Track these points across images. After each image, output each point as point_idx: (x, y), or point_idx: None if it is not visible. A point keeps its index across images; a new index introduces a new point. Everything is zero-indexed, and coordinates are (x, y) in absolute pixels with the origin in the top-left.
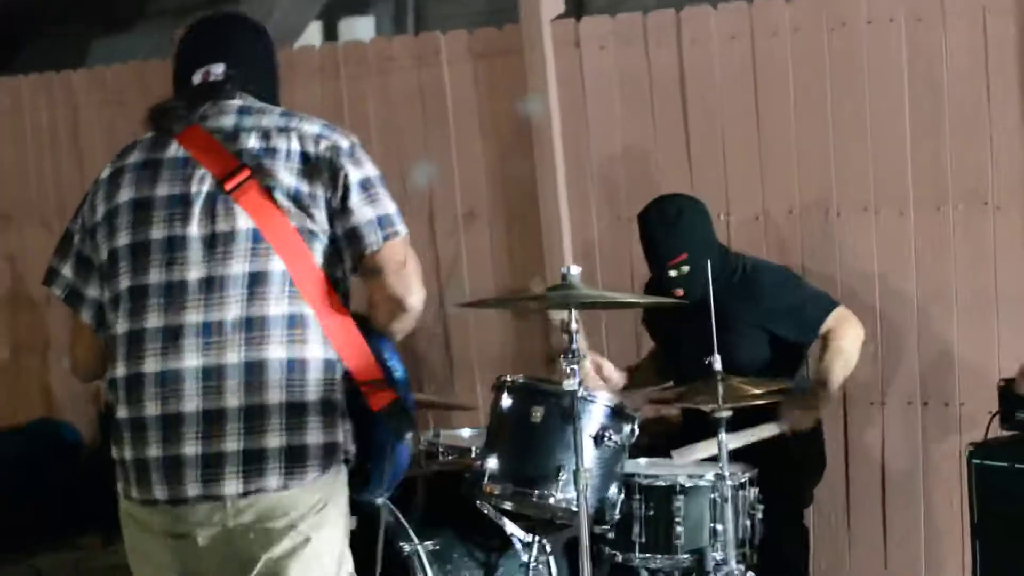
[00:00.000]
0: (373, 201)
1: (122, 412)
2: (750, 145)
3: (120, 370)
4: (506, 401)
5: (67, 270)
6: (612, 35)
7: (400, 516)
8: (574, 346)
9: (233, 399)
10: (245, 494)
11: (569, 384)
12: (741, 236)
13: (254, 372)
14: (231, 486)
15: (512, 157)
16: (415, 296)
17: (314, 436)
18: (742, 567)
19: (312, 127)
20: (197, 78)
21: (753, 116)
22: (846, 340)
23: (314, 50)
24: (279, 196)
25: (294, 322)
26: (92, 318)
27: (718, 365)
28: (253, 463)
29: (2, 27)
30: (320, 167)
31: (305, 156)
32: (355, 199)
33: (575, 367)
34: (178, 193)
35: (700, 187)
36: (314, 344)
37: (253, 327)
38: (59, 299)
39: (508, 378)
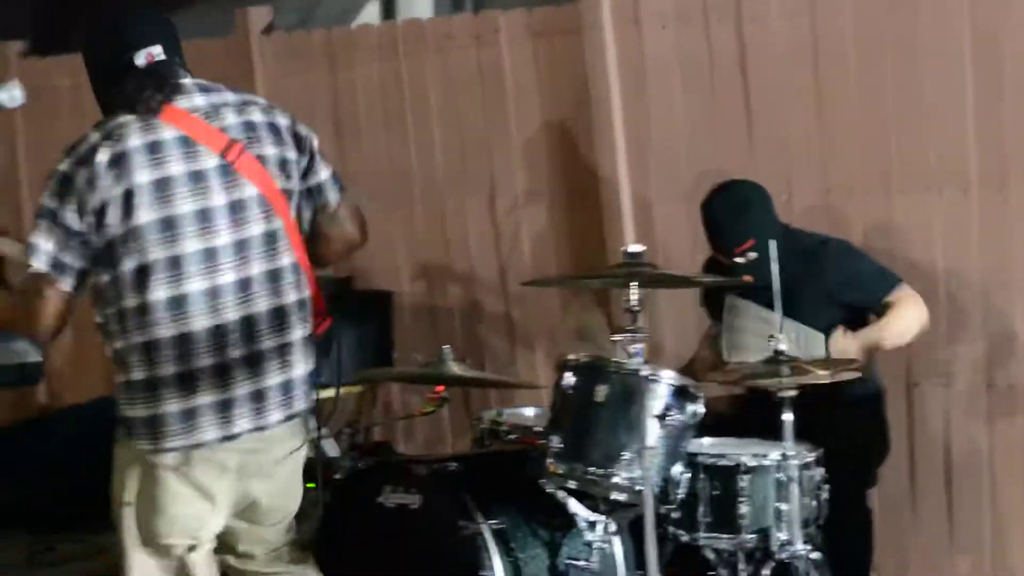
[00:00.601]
0: (325, 162)
1: (170, 369)
2: (811, 123)
3: (166, 331)
4: (570, 380)
5: (49, 245)
6: (672, 13)
7: (464, 494)
8: (637, 325)
9: (268, 341)
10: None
11: (633, 363)
12: (802, 215)
13: (279, 316)
14: (276, 414)
15: (573, 136)
16: (363, 233)
17: (309, 366)
18: (807, 547)
19: (261, 100)
20: (141, 60)
21: (814, 94)
22: (908, 311)
23: (372, 28)
24: (269, 164)
25: (296, 269)
26: (73, 285)
27: (784, 345)
28: (288, 392)
29: (60, 5)
30: (290, 135)
31: (275, 126)
32: (318, 161)
33: (638, 346)
34: (193, 170)
35: (760, 166)
36: (304, 287)
37: (274, 278)
38: (40, 270)
39: (571, 356)
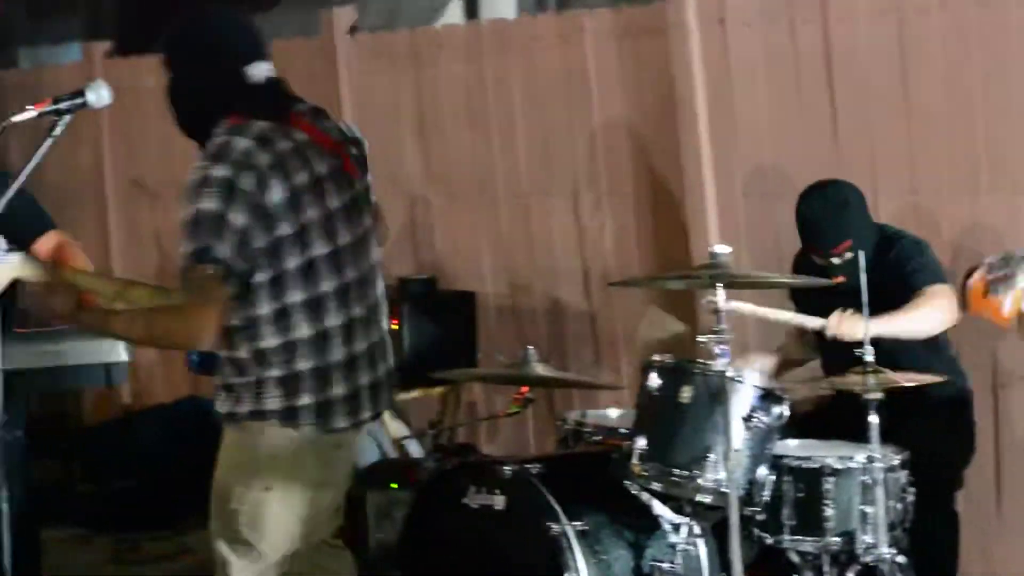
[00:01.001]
0: None
1: (337, 355)
2: (898, 124)
3: (334, 319)
4: (655, 381)
5: (223, 247)
6: (758, 12)
7: (548, 496)
8: (722, 326)
9: (375, 334)
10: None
11: (718, 364)
12: (888, 216)
13: (379, 310)
14: (381, 405)
15: (657, 136)
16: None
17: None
18: (892, 550)
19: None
20: (256, 72)
21: (901, 94)
22: (925, 305)
23: (458, 28)
24: (358, 164)
25: (380, 265)
26: (236, 288)
27: (870, 356)
28: (387, 384)
29: (144, 5)
30: (350, 132)
31: (359, 142)
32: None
33: (724, 347)
34: (329, 170)
35: (847, 166)
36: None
37: (373, 273)
38: (213, 272)
39: (656, 358)
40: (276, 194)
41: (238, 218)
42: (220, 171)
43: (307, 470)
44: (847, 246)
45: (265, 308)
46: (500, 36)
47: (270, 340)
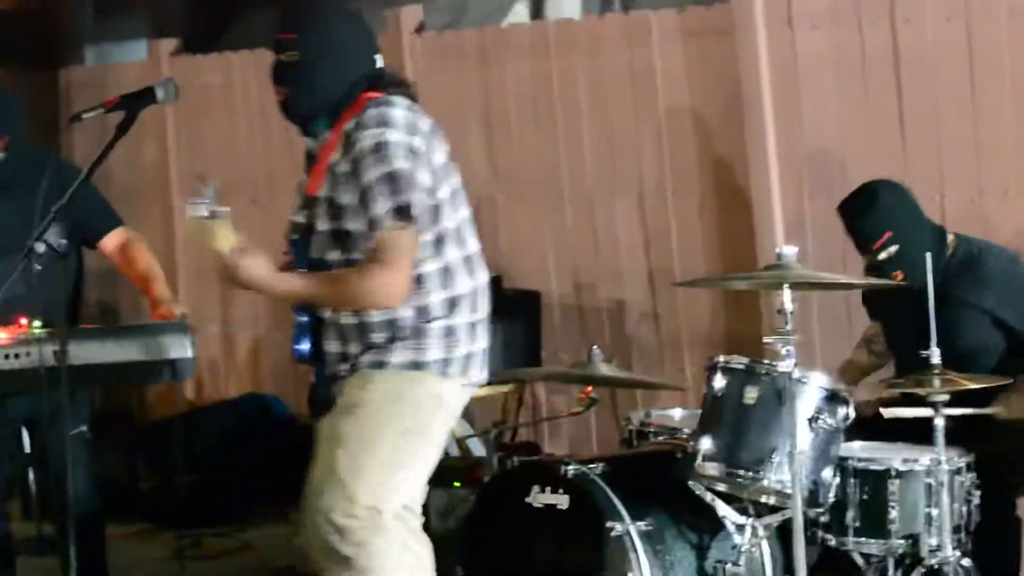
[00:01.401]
0: None
1: (467, 317)
2: (965, 126)
3: (465, 285)
4: (719, 382)
5: (421, 199)
6: (825, 13)
7: (612, 495)
8: (788, 327)
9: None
10: None
11: (784, 366)
12: (955, 217)
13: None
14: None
15: (723, 136)
16: None
17: None
18: (957, 553)
19: None
20: (380, 62)
21: (968, 97)
22: None
23: (524, 28)
24: None
25: None
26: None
27: (936, 358)
28: None
29: (213, 4)
30: None
31: None
32: None
33: (790, 348)
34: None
35: (914, 167)
36: None
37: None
38: (411, 232)
39: (722, 359)
40: (438, 158)
41: (424, 177)
42: (395, 135)
43: (445, 421)
44: (888, 237)
45: (432, 265)
46: (566, 36)
47: (436, 295)
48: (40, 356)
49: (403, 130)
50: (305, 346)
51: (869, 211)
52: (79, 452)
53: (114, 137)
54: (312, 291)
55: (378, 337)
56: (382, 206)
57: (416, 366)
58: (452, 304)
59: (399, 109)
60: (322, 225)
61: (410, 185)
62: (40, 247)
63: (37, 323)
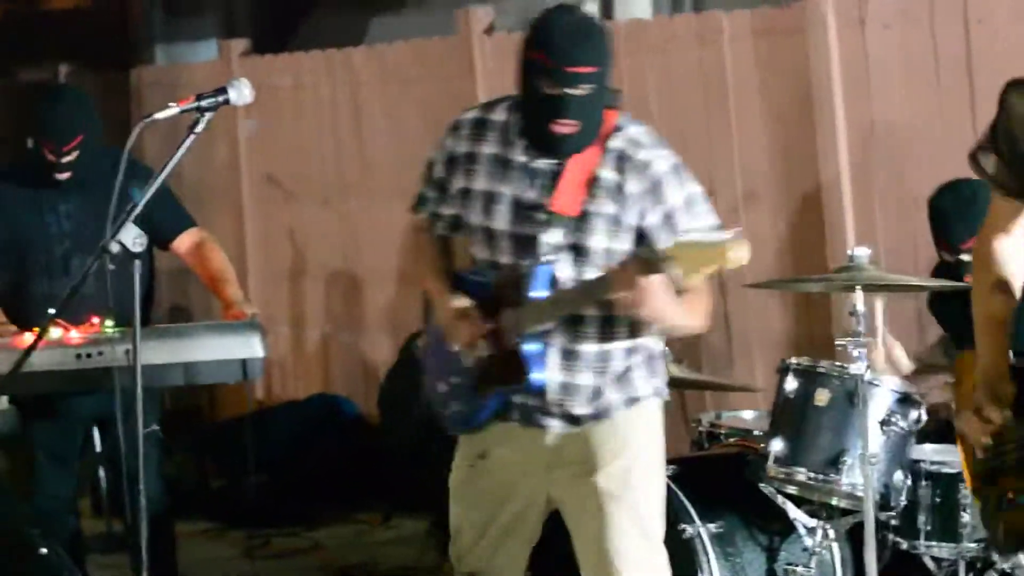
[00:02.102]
0: None
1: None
2: None
3: None
4: (791, 384)
5: None
6: (897, 13)
7: (683, 497)
8: (860, 329)
9: None
10: None
11: (855, 368)
12: None
13: None
14: None
15: (794, 137)
16: None
17: None
18: None
19: None
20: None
21: None
22: None
23: None
24: None
25: None
26: None
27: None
28: None
29: (283, 4)
30: None
31: None
32: None
33: (862, 350)
34: None
35: None
36: None
37: None
38: None
39: (793, 360)
40: None
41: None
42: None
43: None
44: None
45: None
46: (637, 36)
47: None
48: (112, 355)
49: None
50: (542, 376)
51: (965, 212)
52: (150, 451)
53: (187, 137)
54: (686, 321)
55: (622, 360)
56: (712, 221)
57: (658, 393)
58: None
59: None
60: (598, 243)
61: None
62: (114, 247)
63: (109, 323)
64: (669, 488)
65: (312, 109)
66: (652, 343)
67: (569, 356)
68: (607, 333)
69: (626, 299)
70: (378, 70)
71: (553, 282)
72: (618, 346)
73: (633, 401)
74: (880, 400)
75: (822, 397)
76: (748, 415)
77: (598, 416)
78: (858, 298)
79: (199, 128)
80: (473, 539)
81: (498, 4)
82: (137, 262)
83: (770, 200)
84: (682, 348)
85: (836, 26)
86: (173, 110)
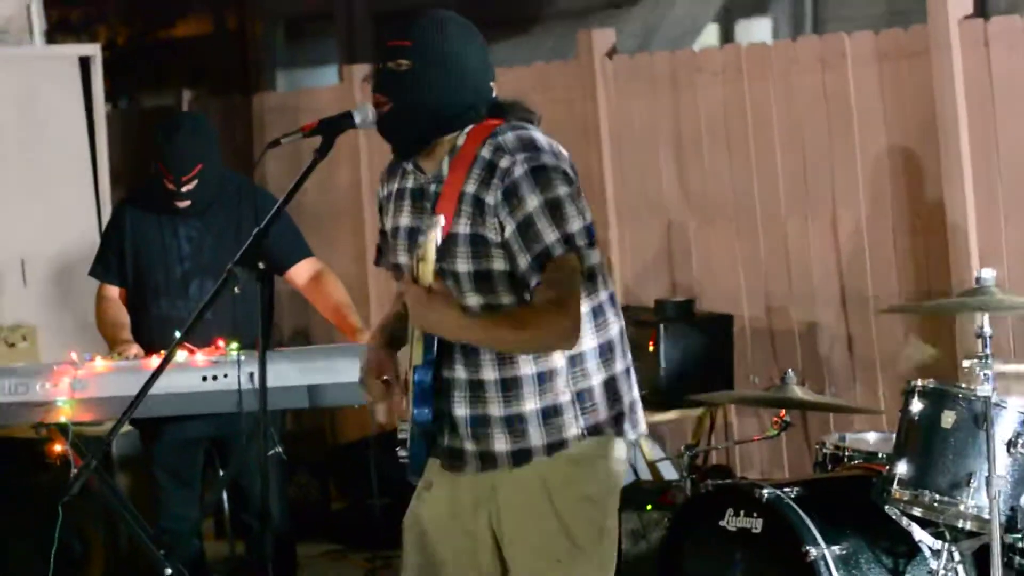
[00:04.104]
0: None
1: (623, 363)
2: None
3: (615, 326)
4: (916, 406)
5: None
6: (1022, 35)
7: (807, 519)
8: (988, 351)
9: None
10: None
11: (982, 389)
12: None
13: None
14: None
15: (918, 159)
16: None
17: None
18: None
19: None
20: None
21: None
22: None
23: (716, 52)
24: None
25: None
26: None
27: None
28: None
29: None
30: None
31: None
32: None
33: (988, 372)
34: None
35: None
36: None
37: None
38: (578, 266)
39: (919, 382)
40: (580, 188)
41: (585, 203)
42: (550, 159)
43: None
44: None
45: (585, 305)
46: (759, 59)
47: (590, 341)
48: (237, 378)
49: (554, 156)
50: (427, 411)
51: None
52: (273, 473)
53: (312, 161)
54: (491, 334)
55: (533, 399)
56: (553, 234)
57: (595, 431)
58: (609, 349)
59: (538, 134)
60: (461, 266)
61: (582, 210)
62: (239, 271)
63: (234, 345)
64: (794, 510)
65: None
66: (593, 370)
67: (473, 387)
68: (504, 359)
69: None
70: (499, 94)
71: None
72: (524, 372)
73: (558, 446)
74: (1007, 422)
75: (948, 419)
76: (872, 437)
77: (518, 458)
78: (985, 320)
79: (323, 153)
80: None
81: (619, 26)
82: (261, 285)
83: (894, 221)
84: (804, 370)
85: (960, 48)
86: (298, 135)
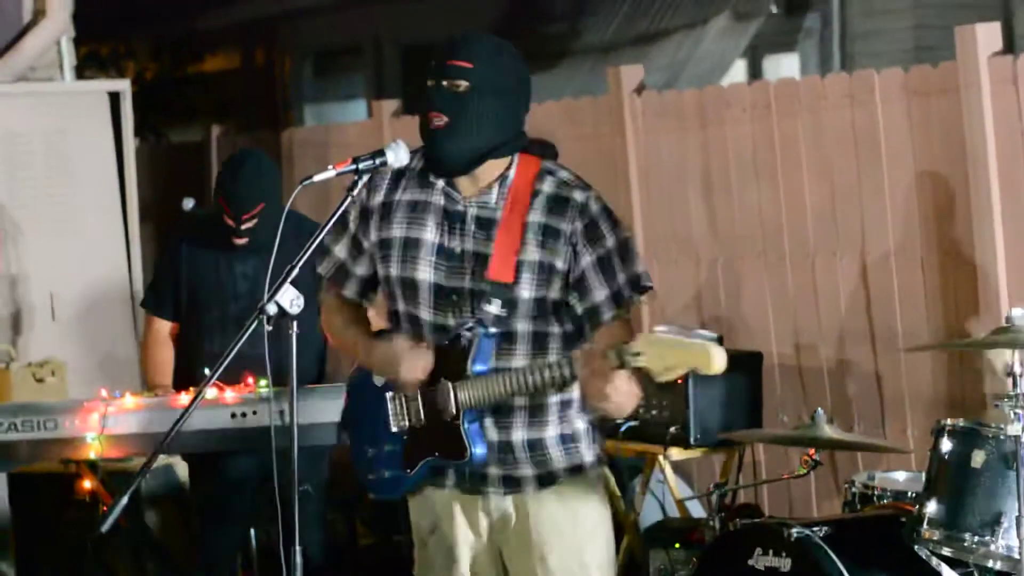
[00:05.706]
0: None
1: None
2: None
3: None
4: (946, 445)
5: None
6: None
7: (836, 559)
8: (1020, 391)
9: None
10: None
11: (1012, 428)
12: None
13: None
14: None
15: (947, 195)
16: None
17: None
18: None
19: None
20: None
21: None
22: None
23: (745, 88)
24: None
25: None
26: None
27: None
28: None
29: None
30: None
31: None
32: None
33: (1019, 411)
34: None
35: None
36: None
37: None
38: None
39: (949, 421)
40: None
41: None
42: (605, 202)
43: None
44: None
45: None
46: (788, 95)
47: None
48: (268, 415)
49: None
50: (484, 451)
51: None
52: (308, 510)
53: (345, 199)
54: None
55: (564, 423)
56: (627, 273)
57: (600, 461)
58: None
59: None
60: (524, 293)
61: (638, 253)
62: (271, 308)
63: (263, 382)
64: (823, 550)
65: None
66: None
67: (501, 412)
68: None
69: (590, 391)
70: (529, 130)
71: (497, 335)
72: (551, 400)
73: (578, 470)
74: None
75: (978, 459)
76: (901, 476)
77: (542, 481)
78: (1016, 358)
79: (356, 191)
80: None
81: (647, 62)
82: (294, 323)
83: (923, 259)
84: (833, 407)
85: (990, 85)
86: (330, 172)
